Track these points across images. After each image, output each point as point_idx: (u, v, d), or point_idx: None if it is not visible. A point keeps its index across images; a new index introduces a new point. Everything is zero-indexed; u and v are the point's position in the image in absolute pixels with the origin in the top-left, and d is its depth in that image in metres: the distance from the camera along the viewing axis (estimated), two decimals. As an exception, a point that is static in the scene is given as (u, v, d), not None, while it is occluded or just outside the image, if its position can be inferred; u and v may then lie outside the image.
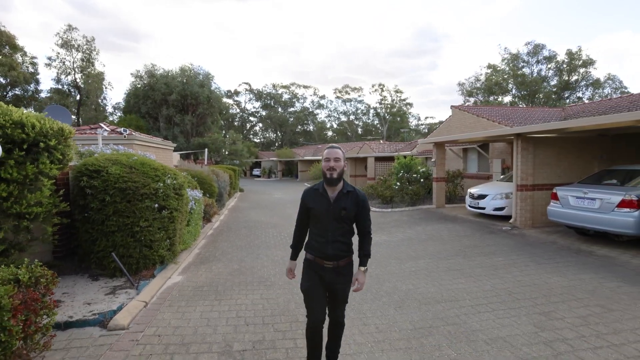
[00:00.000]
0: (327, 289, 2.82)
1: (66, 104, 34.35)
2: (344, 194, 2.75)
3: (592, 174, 8.56)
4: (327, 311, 2.87)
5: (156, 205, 5.62)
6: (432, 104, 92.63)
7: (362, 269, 2.79)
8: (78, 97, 36.05)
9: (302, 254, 3.00)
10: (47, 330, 2.44)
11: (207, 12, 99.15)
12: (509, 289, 5.16)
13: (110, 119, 42.75)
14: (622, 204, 6.55)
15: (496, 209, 10.48)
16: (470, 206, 11.39)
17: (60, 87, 35.00)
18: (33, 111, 4.21)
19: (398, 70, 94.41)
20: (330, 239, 2.72)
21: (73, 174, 5.60)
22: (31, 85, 32.84)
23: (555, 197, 7.95)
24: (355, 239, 2.88)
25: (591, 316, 4.15)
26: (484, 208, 10.78)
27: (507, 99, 48.54)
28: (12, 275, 2.30)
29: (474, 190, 11.42)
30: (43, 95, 34.82)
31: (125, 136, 9.49)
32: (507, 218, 10.18)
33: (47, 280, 2.51)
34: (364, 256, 2.84)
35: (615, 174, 7.83)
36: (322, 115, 71.91)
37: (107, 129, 9.46)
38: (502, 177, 12.88)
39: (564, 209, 7.66)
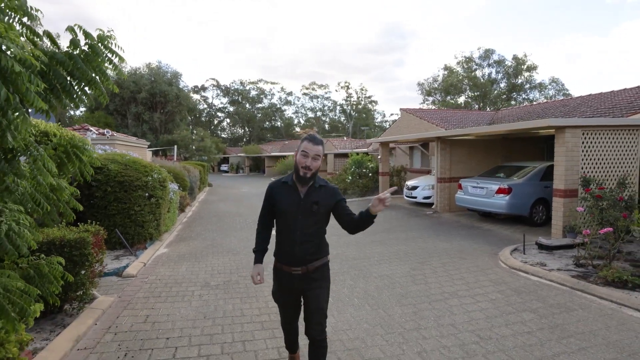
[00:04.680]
0: (299, 296, 2.54)
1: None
2: (316, 188, 2.47)
3: (489, 169, 10.98)
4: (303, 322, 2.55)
5: (147, 194, 7.31)
6: (400, 100, 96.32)
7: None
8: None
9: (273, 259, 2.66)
10: (102, 261, 4.19)
11: (171, 2, 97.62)
12: (407, 251, 7.29)
13: (71, 112, 42.26)
14: (499, 191, 8.90)
15: (425, 198, 12.80)
16: (406, 196, 13.67)
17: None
18: None
19: (366, 66, 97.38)
20: (299, 239, 2.41)
21: (78, 170, 7.17)
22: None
23: (460, 186, 10.27)
24: (330, 239, 2.68)
25: (449, 263, 6.33)
26: (416, 197, 13.08)
27: (462, 99, 52.26)
28: (85, 229, 4.05)
29: (409, 182, 13.72)
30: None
31: (108, 137, 10.94)
32: (432, 205, 12.50)
33: (102, 232, 4.27)
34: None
35: (505, 169, 10.24)
36: (289, 111, 73.54)
37: (95, 131, 10.87)
38: (434, 171, 15.27)
39: (465, 195, 10.00)
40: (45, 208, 2.36)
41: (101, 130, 11.39)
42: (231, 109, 68.14)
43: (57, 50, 2.03)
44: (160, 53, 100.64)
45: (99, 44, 2.10)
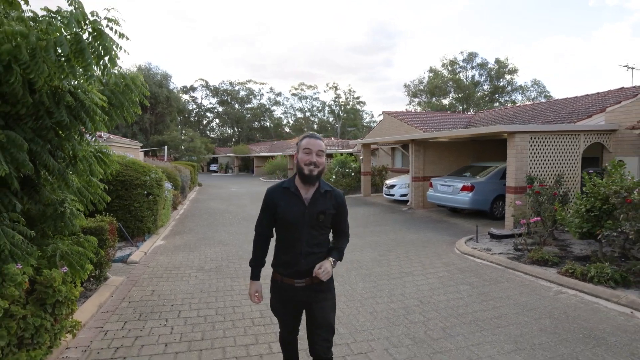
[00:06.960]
0: (302, 309, 2.40)
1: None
2: (322, 194, 2.31)
3: (458, 169, 12.04)
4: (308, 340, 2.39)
5: (145, 192, 8.13)
6: (389, 100, 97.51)
7: (331, 259, 2.34)
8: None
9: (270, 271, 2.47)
10: (115, 246, 5.04)
11: (162, 1, 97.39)
12: (379, 241, 8.25)
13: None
14: (463, 188, 9.95)
15: (402, 195, 13.82)
16: (385, 194, 14.69)
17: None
18: None
19: (356, 65, 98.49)
20: (304, 251, 2.27)
21: (83, 171, 7.96)
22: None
23: (431, 185, 11.30)
24: None
25: (411, 250, 7.31)
26: (393, 195, 14.10)
27: (447, 100, 53.75)
28: (101, 219, 4.91)
29: (388, 181, 14.73)
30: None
31: (104, 139, 11.68)
32: (408, 202, 13.53)
33: (115, 222, 5.13)
34: (335, 249, 2.41)
35: (472, 169, 11.30)
36: (278, 112, 74.26)
37: (94, 134, 11.63)
38: (413, 171, 16.33)
39: (435, 193, 11.03)
40: (88, 198, 3.23)
41: (98, 133, 12.13)
42: (220, 109, 68.57)
43: (103, 88, 2.93)
44: (149, 52, 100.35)
45: (132, 83, 3.00)
